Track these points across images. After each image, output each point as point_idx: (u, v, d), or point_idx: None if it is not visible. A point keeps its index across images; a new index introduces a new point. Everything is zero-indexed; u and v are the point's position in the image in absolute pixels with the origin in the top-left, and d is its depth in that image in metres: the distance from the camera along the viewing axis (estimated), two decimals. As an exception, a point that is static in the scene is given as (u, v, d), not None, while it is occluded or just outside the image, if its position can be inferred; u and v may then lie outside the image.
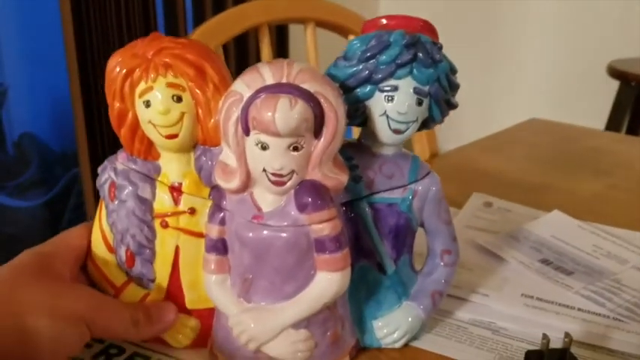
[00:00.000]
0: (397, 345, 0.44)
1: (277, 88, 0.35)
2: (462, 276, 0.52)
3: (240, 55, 1.40)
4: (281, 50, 1.65)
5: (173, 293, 0.42)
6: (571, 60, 2.01)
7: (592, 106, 1.83)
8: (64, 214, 1.35)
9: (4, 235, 1.23)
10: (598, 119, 1.74)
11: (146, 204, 0.41)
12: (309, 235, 0.37)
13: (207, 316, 0.43)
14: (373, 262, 0.43)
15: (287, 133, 0.35)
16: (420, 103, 0.40)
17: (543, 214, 0.65)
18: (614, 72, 1.73)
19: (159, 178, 0.41)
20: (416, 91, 0.39)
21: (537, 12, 2.06)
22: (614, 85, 1.76)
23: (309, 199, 0.36)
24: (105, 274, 0.43)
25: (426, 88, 0.39)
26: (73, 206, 1.35)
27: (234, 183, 0.37)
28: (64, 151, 1.34)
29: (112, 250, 0.43)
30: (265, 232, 0.37)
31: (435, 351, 0.44)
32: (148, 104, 0.39)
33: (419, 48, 0.39)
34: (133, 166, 0.42)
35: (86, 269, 0.44)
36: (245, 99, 0.35)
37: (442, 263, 0.45)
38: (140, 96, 0.39)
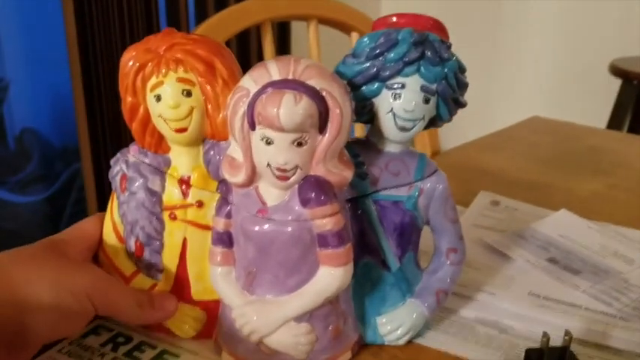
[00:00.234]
0: (400, 342, 0.44)
1: (283, 84, 0.35)
2: (468, 274, 0.52)
3: (242, 52, 1.40)
4: (283, 48, 1.65)
5: (180, 284, 0.43)
6: (573, 58, 1.99)
7: (593, 104, 1.81)
8: (65, 209, 1.37)
9: (5, 230, 1.25)
10: (599, 118, 1.72)
11: (156, 196, 0.42)
12: (312, 230, 0.37)
13: (213, 307, 0.43)
14: (378, 259, 0.43)
15: (291, 129, 0.35)
16: (427, 101, 0.40)
17: (550, 213, 0.65)
18: (615, 70, 1.72)
19: (168, 171, 0.42)
20: (423, 89, 0.39)
21: (539, 10, 2.03)
22: (616, 83, 1.74)
23: (312, 195, 0.37)
24: (115, 264, 0.44)
25: (434, 86, 0.40)
26: (74, 201, 1.37)
27: (240, 177, 0.38)
28: (65, 146, 1.36)
29: (122, 240, 0.44)
30: (269, 226, 0.38)
31: (441, 348, 0.44)
32: (158, 98, 0.40)
33: (427, 46, 0.39)
34: (144, 159, 0.42)
35: (97, 259, 0.45)
36: (251, 94, 0.36)
37: (448, 262, 0.45)
38: (151, 90, 0.40)
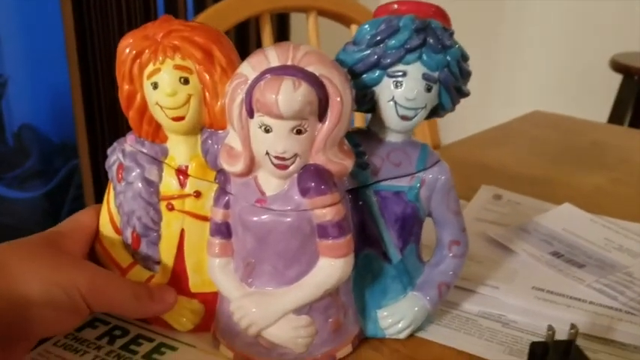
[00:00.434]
0: (401, 335, 0.43)
1: (281, 70, 0.34)
2: (471, 268, 0.51)
3: (241, 44, 1.39)
4: (282, 39, 1.64)
5: (177, 276, 0.43)
6: (573, 54, 1.98)
7: (594, 100, 1.80)
8: (63, 205, 1.36)
9: (4, 226, 1.24)
10: (600, 113, 1.72)
11: (153, 186, 0.41)
12: (312, 220, 0.37)
13: (211, 300, 0.43)
14: (379, 251, 0.42)
15: (290, 116, 0.34)
16: (429, 89, 0.39)
17: (554, 207, 0.64)
18: (616, 66, 1.71)
19: (166, 161, 0.41)
20: (425, 77, 0.39)
21: (540, 5, 2.03)
22: (617, 79, 1.73)
23: (312, 184, 0.36)
24: (111, 255, 0.43)
25: (436, 74, 0.39)
26: (72, 197, 1.36)
27: (239, 166, 0.37)
28: (64, 142, 1.35)
29: (118, 231, 0.43)
30: (268, 216, 0.37)
31: (443, 342, 0.43)
32: (155, 86, 0.39)
33: (429, 33, 0.38)
34: (141, 149, 0.42)
35: (94, 250, 0.44)
36: (250, 81, 0.35)
37: (450, 254, 0.44)
38: (148, 78, 0.39)
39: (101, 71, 1.33)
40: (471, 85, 0.42)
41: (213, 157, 0.40)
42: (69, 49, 1.29)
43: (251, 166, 0.37)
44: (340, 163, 0.37)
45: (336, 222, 0.37)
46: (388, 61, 0.38)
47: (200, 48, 0.38)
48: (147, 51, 0.39)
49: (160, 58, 0.38)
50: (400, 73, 0.39)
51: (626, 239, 0.58)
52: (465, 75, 0.41)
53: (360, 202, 0.41)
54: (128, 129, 0.43)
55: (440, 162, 0.42)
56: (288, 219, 0.37)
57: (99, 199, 0.45)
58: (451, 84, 0.40)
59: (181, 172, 0.41)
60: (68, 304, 0.37)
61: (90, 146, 1.32)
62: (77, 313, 0.38)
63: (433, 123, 0.93)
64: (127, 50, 0.39)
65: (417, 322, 0.43)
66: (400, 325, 0.43)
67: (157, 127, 0.41)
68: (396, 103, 0.39)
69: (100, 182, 1.32)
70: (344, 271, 0.38)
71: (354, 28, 0.85)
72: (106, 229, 0.44)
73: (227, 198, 0.39)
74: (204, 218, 0.41)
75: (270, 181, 0.37)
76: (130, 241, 0.43)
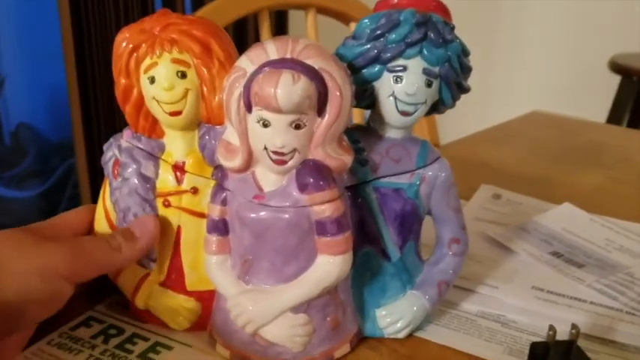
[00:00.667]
0: (400, 335, 0.43)
1: (280, 64, 0.34)
2: (470, 267, 0.51)
3: (239, 41, 1.39)
4: None
5: (174, 274, 0.42)
6: (572, 55, 1.98)
7: (593, 101, 1.80)
8: (60, 204, 1.35)
9: (0, 225, 1.23)
10: (598, 114, 1.71)
11: (149, 182, 0.41)
12: (311, 217, 0.36)
13: (208, 298, 0.42)
14: (378, 249, 0.42)
15: (289, 110, 0.34)
16: (429, 84, 0.38)
17: (553, 207, 0.64)
18: (615, 67, 1.71)
19: (162, 157, 0.41)
20: (425, 71, 0.38)
21: (539, 6, 2.02)
22: (616, 80, 1.73)
23: (311, 179, 0.35)
24: (106, 253, 0.43)
25: (436, 69, 0.38)
26: (69, 196, 1.35)
27: (236, 162, 0.37)
28: (61, 141, 1.34)
29: (114, 228, 0.43)
30: (266, 212, 0.36)
31: (442, 342, 0.43)
32: (152, 80, 0.38)
33: (429, 27, 0.38)
34: (137, 144, 0.41)
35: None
36: (248, 75, 0.35)
37: (450, 252, 0.44)
38: (145, 72, 0.39)
39: (98, 70, 1.32)
40: (470, 85, 0.41)
41: (210, 153, 0.40)
42: (66, 47, 1.28)
43: (249, 162, 0.37)
44: (339, 158, 0.36)
45: (334, 218, 0.36)
46: (388, 55, 0.38)
47: (198, 42, 0.38)
48: (144, 45, 0.38)
49: (157, 52, 0.38)
50: (400, 68, 0.38)
51: (626, 239, 0.58)
52: (466, 70, 0.40)
53: (359, 199, 0.41)
54: (125, 127, 0.42)
55: (440, 159, 0.42)
56: (286, 215, 0.36)
57: (95, 198, 0.44)
58: (452, 79, 0.39)
59: (178, 168, 0.40)
60: (46, 289, 0.36)
61: (87, 145, 1.31)
62: (58, 296, 0.37)
63: (432, 122, 0.92)
64: (124, 44, 0.39)
65: (416, 322, 0.43)
66: (399, 325, 0.42)
67: (154, 122, 0.40)
68: (396, 98, 0.39)
69: (97, 181, 1.31)
70: (342, 268, 0.37)
71: (352, 25, 0.85)
72: (102, 225, 0.43)
73: (224, 194, 0.38)
74: (201, 215, 0.40)
75: (268, 177, 0.37)
76: (125, 237, 0.42)
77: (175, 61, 0.38)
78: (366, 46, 0.38)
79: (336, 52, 0.39)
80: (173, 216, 0.41)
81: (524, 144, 0.89)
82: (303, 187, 0.36)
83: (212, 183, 0.40)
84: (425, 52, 0.38)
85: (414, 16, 0.38)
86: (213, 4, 0.77)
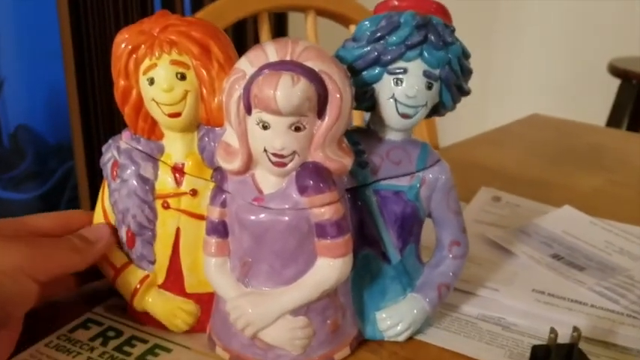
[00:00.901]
0: (400, 338, 0.42)
1: (280, 66, 0.34)
2: (470, 270, 0.50)
3: (239, 44, 1.39)
4: None
5: (173, 276, 0.42)
6: (571, 58, 1.98)
7: (592, 104, 1.80)
8: (58, 207, 1.35)
9: None
10: (598, 118, 1.71)
11: (148, 184, 0.41)
12: (310, 219, 0.36)
13: (207, 300, 0.42)
14: (378, 251, 0.42)
15: (288, 112, 0.34)
16: (429, 87, 0.38)
17: (553, 210, 0.64)
18: (615, 70, 1.71)
19: (161, 158, 0.41)
20: (426, 74, 0.38)
21: (538, 10, 2.03)
22: (615, 83, 1.73)
23: (310, 182, 0.35)
24: (105, 255, 0.43)
25: (437, 72, 0.38)
26: (67, 199, 1.35)
27: (236, 164, 0.37)
28: (60, 143, 1.34)
29: (113, 230, 0.43)
30: (265, 214, 0.36)
31: (443, 346, 0.43)
32: (151, 82, 0.38)
33: (430, 29, 0.38)
34: (136, 146, 0.41)
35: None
36: (248, 76, 0.35)
37: (450, 255, 0.43)
38: (144, 73, 0.38)
39: (98, 72, 1.32)
40: (470, 87, 0.41)
41: (210, 155, 0.40)
42: (65, 49, 1.28)
43: (248, 164, 0.37)
44: (339, 161, 0.36)
45: (334, 221, 0.36)
46: (388, 57, 0.38)
47: (197, 43, 0.38)
48: (143, 46, 0.38)
49: (157, 53, 0.38)
50: (400, 70, 0.38)
51: (626, 242, 0.58)
52: (466, 73, 0.40)
53: (359, 202, 0.40)
54: (124, 129, 0.42)
55: (440, 161, 0.42)
56: (286, 218, 0.36)
57: (94, 201, 0.44)
58: (452, 82, 0.39)
59: (177, 170, 0.40)
60: (15, 287, 0.36)
61: (85, 147, 1.31)
62: (27, 293, 0.37)
63: (432, 125, 0.92)
64: (123, 45, 0.39)
65: (417, 325, 0.43)
66: (399, 328, 0.42)
67: (153, 123, 0.40)
68: (396, 100, 0.38)
69: (96, 183, 1.31)
70: (342, 271, 0.37)
71: (352, 28, 0.85)
72: (100, 227, 0.43)
73: (224, 196, 0.38)
74: (201, 217, 0.40)
75: (267, 179, 0.37)
76: (124, 239, 0.42)
77: (175, 62, 0.38)
78: (366, 49, 0.38)
79: (336, 54, 0.39)
80: (172, 218, 0.41)
81: (524, 146, 0.89)
82: (302, 190, 0.35)
83: (211, 185, 0.40)
84: (425, 54, 0.38)
85: (415, 19, 0.37)
86: (213, 5, 0.77)
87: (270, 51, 0.35)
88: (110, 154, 0.42)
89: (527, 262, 0.54)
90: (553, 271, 0.52)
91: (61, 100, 1.31)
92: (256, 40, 0.95)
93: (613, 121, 1.75)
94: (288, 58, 0.34)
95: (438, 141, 0.94)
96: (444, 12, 0.40)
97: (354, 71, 0.38)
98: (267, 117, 0.34)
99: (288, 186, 0.36)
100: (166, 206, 0.40)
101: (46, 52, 1.30)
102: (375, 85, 0.39)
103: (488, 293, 0.48)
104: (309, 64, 0.34)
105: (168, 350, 0.41)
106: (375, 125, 0.41)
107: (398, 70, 0.38)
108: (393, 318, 0.42)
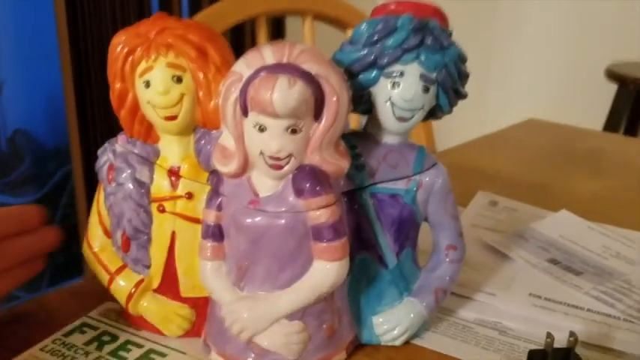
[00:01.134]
0: (397, 342, 0.42)
1: (277, 68, 0.34)
2: (467, 274, 0.50)
3: (236, 48, 1.39)
4: None
5: (168, 280, 0.42)
6: (569, 63, 1.99)
7: (589, 109, 1.80)
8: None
9: None
10: (595, 122, 1.71)
11: (144, 187, 0.40)
12: (307, 222, 0.36)
13: (202, 304, 0.42)
14: (374, 255, 0.41)
15: (285, 114, 0.33)
16: (426, 90, 0.38)
17: (550, 214, 0.64)
18: (612, 75, 1.71)
19: (157, 162, 0.40)
20: (423, 77, 0.38)
21: (535, 15, 2.03)
22: (612, 88, 1.73)
23: (307, 185, 0.35)
24: (100, 259, 0.42)
25: (434, 75, 0.38)
26: (65, 203, 1.35)
27: (232, 166, 0.36)
28: (58, 147, 1.34)
29: (108, 233, 0.42)
30: (262, 217, 0.36)
31: (439, 350, 0.43)
32: (147, 84, 0.38)
33: (426, 33, 0.38)
34: (132, 149, 0.41)
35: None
36: (244, 79, 0.34)
37: (447, 259, 0.43)
38: (140, 76, 0.38)
39: (95, 76, 1.32)
40: (467, 91, 0.41)
41: (206, 158, 0.39)
42: (62, 52, 1.28)
43: (245, 167, 0.36)
44: (336, 163, 0.36)
45: (330, 224, 0.36)
46: (385, 60, 0.38)
47: (194, 46, 0.38)
48: (139, 48, 0.38)
49: (153, 56, 0.38)
50: (397, 74, 0.38)
51: (623, 247, 0.58)
52: (463, 76, 0.40)
53: (356, 205, 0.40)
54: (121, 132, 0.42)
55: (437, 164, 0.42)
56: (282, 221, 0.36)
57: (91, 204, 0.44)
58: (449, 85, 0.39)
59: (173, 173, 0.40)
60: None
61: (83, 151, 1.31)
62: None
63: (429, 129, 0.92)
64: (119, 47, 0.39)
65: (413, 329, 0.42)
66: (396, 332, 0.42)
67: (149, 126, 0.40)
68: (393, 103, 0.38)
69: (93, 187, 1.30)
70: (339, 275, 0.37)
71: (349, 32, 0.85)
72: (96, 231, 0.43)
73: (220, 199, 0.38)
74: (196, 220, 0.40)
75: (264, 182, 0.36)
76: (119, 243, 0.42)
77: (171, 65, 0.38)
78: (362, 52, 0.38)
79: (333, 57, 0.39)
80: (168, 221, 0.40)
81: (521, 151, 0.89)
82: (299, 192, 0.35)
83: (207, 188, 0.40)
84: (422, 57, 0.38)
85: (412, 22, 0.37)
86: (211, 8, 0.77)
87: (266, 53, 0.35)
88: (106, 157, 0.42)
89: (524, 267, 0.53)
90: (550, 276, 0.52)
91: (58, 104, 1.30)
92: (254, 44, 0.95)
93: (610, 125, 1.75)
94: (285, 60, 0.34)
95: (435, 145, 0.94)
96: (441, 16, 0.40)
97: (351, 74, 0.38)
98: (264, 119, 0.34)
99: (284, 189, 0.36)
100: (162, 210, 0.40)
101: (43, 55, 1.29)
102: (371, 89, 0.39)
103: (485, 298, 0.48)
104: (306, 66, 0.34)
105: (163, 355, 0.41)
106: (372, 128, 0.41)
107: (395, 74, 0.38)
108: (390, 322, 0.42)
